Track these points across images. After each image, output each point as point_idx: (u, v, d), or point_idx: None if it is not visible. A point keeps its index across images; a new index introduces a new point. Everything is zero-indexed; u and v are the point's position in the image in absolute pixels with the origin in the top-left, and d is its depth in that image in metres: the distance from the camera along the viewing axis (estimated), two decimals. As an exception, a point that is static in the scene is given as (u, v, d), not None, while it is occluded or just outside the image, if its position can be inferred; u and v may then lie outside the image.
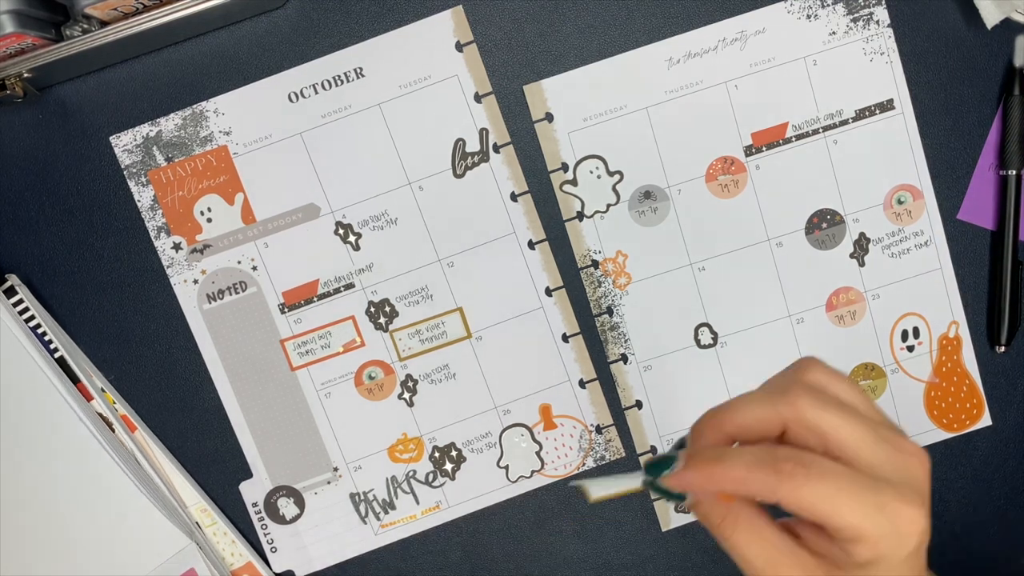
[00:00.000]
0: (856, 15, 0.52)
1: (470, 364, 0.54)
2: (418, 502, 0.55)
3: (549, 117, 0.53)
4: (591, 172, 0.53)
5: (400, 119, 0.52)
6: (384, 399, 0.54)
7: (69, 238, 0.53)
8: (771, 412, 0.32)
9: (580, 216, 0.53)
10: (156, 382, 0.54)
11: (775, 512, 0.32)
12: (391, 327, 0.54)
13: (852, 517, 0.30)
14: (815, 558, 0.33)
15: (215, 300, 0.53)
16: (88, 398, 0.52)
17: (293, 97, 0.52)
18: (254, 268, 0.53)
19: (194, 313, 0.53)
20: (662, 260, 0.54)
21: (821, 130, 0.53)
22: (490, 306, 0.54)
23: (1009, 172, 0.52)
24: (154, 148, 0.52)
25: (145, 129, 0.52)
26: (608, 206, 0.53)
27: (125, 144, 0.52)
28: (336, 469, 0.55)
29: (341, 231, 0.53)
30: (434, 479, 0.55)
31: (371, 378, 0.54)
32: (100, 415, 0.53)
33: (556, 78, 0.52)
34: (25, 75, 0.49)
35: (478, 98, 0.52)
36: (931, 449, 0.53)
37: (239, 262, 0.53)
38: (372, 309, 0.54)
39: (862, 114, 0.53)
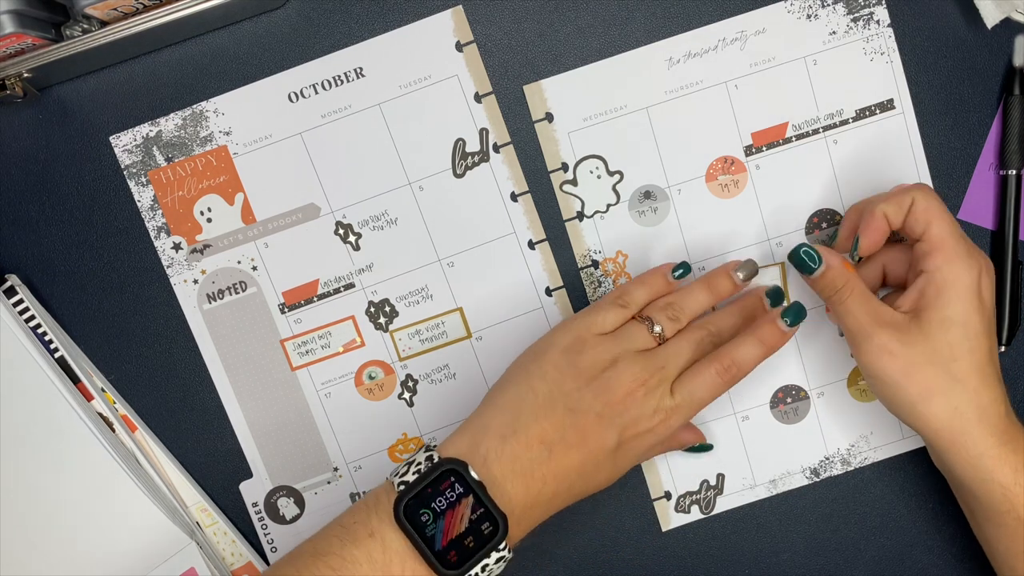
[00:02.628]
0: (856, 15, 0.52)
1: (470, 364, 0.54)
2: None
3: (549, 117, 0.53)
4: (591, 172, 0.53)
5: (400, 119, 0.52)
6: (384, 399, 0.54)
7: (69, 238, 0.53)
8: (903, 196, 0.46)
9: (580, 216, 0.53)
10: (156, 382, 0.54)
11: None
12: (391, 327, 0.54)
13: (940, 229, 0.45)
14: (903, 313, 0.46)
15: (215, 300, 0.53)
16: (88, 398, 0.52)
17: (293, 97, 0.52)
18: (254, 268, 0.53)
19: (194, 313, 0.53)
20: (662, 260, 0.54)
21: (821, 130, 0.53)
22: (490, 306, 0.54)
23: (1009, 172, 0.52)
24: (154, 148, 0.52)
25: (145, 129, 0.52)
26: (608, 206, 0.53)
27: (125, 144, 0.52)
28: (336, 469, 0.55)
29: (341, 231, 0.53)
30: (434, 479, 0.55)
31: (371, 378, 0.54)
32: (100, 415, 0.53)
33: (556, 78, 0.52)
34: (25, 75, 0.49)
35: (478, 98, 0.52)
36: (931, 449, 0.53)
37: (239, 262, 0.53)
38: (372, 309, 0.54)
39: (862, 114, 0.53)
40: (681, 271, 0.49)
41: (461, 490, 0.42)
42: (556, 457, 0.44)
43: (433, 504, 0.42)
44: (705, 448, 0.53)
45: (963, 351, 0.44)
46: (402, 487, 0.42)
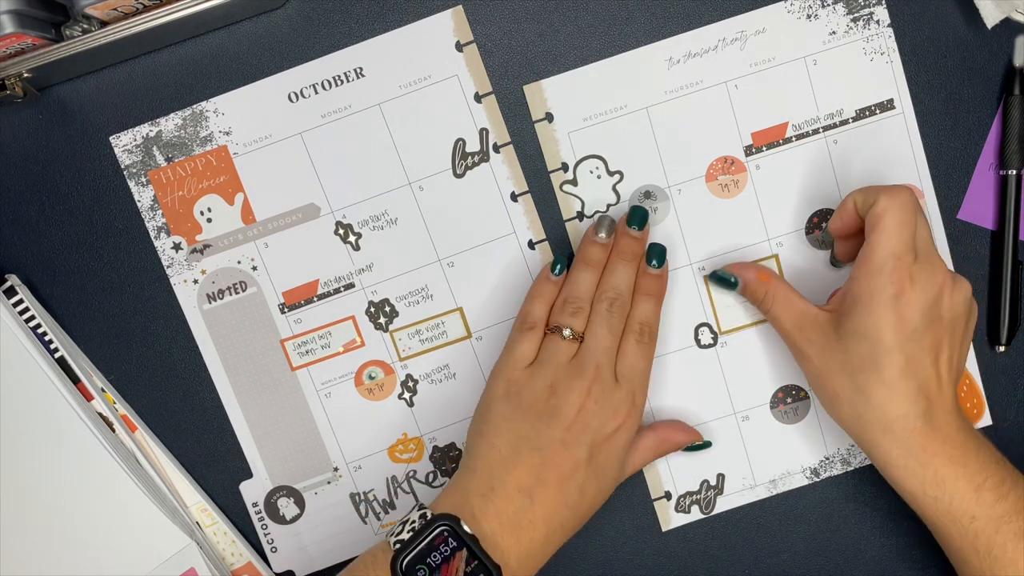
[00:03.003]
0: (856, 15, 0.52)
1: (470, 364, 0.54)
2: (418, 502, 0.55)
3: (549, 117, 0.53)
4: (591, 172, 0.53)
5: (400, 119, 0.52)
6: (384, 399, 0.54)
7: (69, 238, 0.53)
8: (873, 192, 0.45)
9: (580, 216, 0.53)
10: (156, 382, 0.54)
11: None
12: (391, 327, 0.54)
13: (875, 239, 0.44)
14: (827, 314, 0.47)
15: (215, 300, 0.53)
16: (88, 398, 0.52)
17: (293, 97, 0.52)
18: (254, 268, 0.53)
19: (194, 313, 0.53)
20: (662, 260, 0.54)
21: (821, 130, 0.53)
22: (490, 306, 0.54)
23: (1009, 172, 0.52)
24: (154, 148, 0.52)
25: (145, 129, 0.52)
26: (608, 206, 0.53)
27: (125, 144, 0.52)
28: (336, 469, 0.55)
29: (341, 231, 0.53)
30: (434, 479, 0.55)
31: (371, 378, 0.54)
32: (100, 415, 0.53)
33: (556, 78, 0.52)
34: (25, 75, 0.49)
35: (478, 98, 0.52)
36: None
37: (239, 262, 0.53)
38: (372, 309, 0.54)
39: (862, 114, 0.53)
40: (558, 267, 0.50)
41: (455, 544, 0.43)
42: (539, 500, 0.45)
43: (428, 559, 0.43)
44: (704, 446, 0.53)
45: (868, 365, 0.44)
46: (398, 545, 0.43)
